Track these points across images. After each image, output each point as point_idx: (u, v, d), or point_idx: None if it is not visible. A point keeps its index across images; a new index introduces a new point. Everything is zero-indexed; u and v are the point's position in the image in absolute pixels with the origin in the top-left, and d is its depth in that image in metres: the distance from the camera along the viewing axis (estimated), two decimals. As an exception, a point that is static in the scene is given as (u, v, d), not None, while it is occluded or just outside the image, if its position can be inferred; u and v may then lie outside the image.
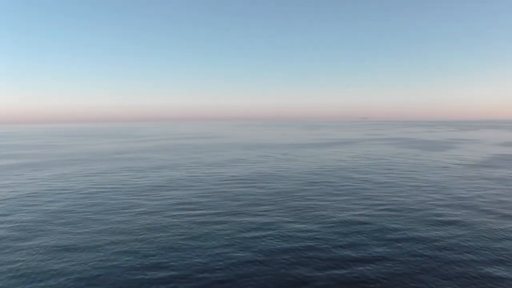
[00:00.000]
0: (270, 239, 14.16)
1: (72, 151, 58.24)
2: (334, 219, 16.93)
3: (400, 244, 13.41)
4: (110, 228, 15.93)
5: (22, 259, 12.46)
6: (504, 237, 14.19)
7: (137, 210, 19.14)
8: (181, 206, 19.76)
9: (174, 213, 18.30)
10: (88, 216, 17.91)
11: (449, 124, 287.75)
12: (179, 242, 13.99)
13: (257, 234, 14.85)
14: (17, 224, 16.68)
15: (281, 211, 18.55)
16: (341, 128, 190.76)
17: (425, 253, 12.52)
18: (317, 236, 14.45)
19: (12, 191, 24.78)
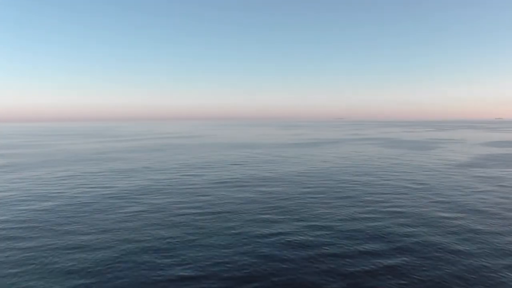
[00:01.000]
0: (270, 241, 13.92)
1: (55, 150, 56.08)
2: (332, 220, 16.79)
3: (400, 244, 13.36)
4: (108, 228, 15.35)
5: (21, 259, 11.89)
6: (503, 235, 14.36)
7: (130, 211, 18.51)
8: (177, 208, 19.25)
9: (172, 214, 17.80)
10: (82, 218, 17.22)
11: (425, 124, 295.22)
12: (180, 243, 13.60)
13: (255, 237, 14.60)
14: (13, 225, 15.85)
15: (276, 211, 18.31)
16: (321, 127, 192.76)
17: (428, 255, 12.54)
18: (318, 237, 14.30)
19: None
